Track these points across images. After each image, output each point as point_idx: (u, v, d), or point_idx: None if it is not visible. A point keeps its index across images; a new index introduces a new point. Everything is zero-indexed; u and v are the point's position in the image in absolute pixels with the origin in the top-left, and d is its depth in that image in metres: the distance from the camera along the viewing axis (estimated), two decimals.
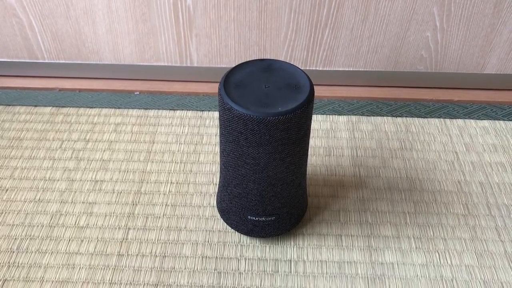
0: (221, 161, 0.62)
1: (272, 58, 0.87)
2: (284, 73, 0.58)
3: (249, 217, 0.63)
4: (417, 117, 0.85)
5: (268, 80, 0.57)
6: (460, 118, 0.85)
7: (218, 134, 0.70)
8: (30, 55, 0.90)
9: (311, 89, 0.56)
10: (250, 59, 0.78)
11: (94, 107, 0.87)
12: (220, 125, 0.57)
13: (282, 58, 0.87)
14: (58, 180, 0.75)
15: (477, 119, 0.85)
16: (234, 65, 0.58)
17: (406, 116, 0.86)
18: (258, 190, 0.60)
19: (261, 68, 0.58)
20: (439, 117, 0.86)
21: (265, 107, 0.53)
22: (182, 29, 0.84)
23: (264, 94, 0.55)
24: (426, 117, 0.86)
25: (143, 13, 0.83)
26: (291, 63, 0.87)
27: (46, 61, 0.90)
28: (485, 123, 0.85)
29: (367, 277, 0.63)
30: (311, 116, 0.58)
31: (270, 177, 0.58)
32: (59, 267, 0.64)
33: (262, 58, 0.61)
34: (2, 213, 0.70)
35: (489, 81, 0.89)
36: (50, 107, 0.87)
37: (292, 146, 0.56)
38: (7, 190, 0.73)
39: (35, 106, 0.88)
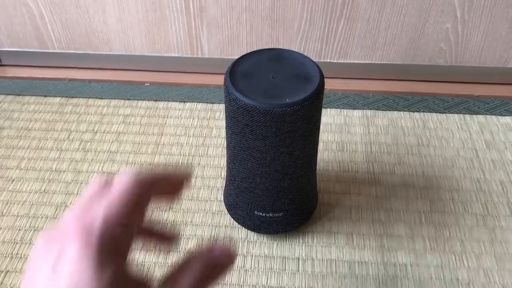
0: (227, 154, 0.60)
1: None
2: (294, 63, 0.55)
3: (256, 212, 0.61)
4: (435, 112, 0.82)
5: (276, 70, 0.54)
6: (481, 114, 0.82)
7: None
8: (40, 45, 0.89)
9: (321, 80, 0.53)
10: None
11: (104, 98, 0.86)
12: (226, 116, 0.55)
13: (295, 50, 0.84)
14: (65, 171, 0.74)
15: (499, 115, 0.81)
16: (247, 53, 0.56)
17: (423, 111, 0.82)
18: (265, 185, 0.57)
19: (270, 58, 0.56)
20: (459, 113, 0.82)
21: (272, 98, 0.50)
22: (193, 18, 0.82)
23: (271, 85, 0.52)
24: (445, 113, 0.82)
25: (153, 2, 0.81)
26: (305, 54, 0.85)
27: (57, 51, 0.89)
28: (508, 119, 0.81)
29: (379, 278, 0.61)
30: (321, 109, 0.55)
31: (277, 171, 0.56)
32: None
33: (273, 47, 0.58)
34: (7, 203, 0.69)
35: None
36: (60, 98, 0.86)
37: (300, 139, 0.54)
38: (13, 180, 0.72)
39: (45, 96, 0.87)
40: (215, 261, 0.32)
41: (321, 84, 0.53)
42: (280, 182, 0.57)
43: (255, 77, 0.53)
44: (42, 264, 0.28)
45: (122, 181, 0.31)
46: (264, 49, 0.57)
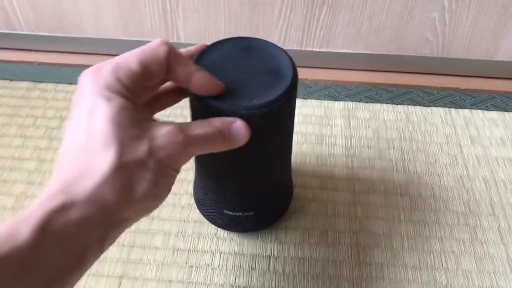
0: None
1: (264, 36, 0.80)
2: (265, 56, 0.49)
3: (224, 211, 0.57)
4: (420, 105, 0.79)
5: (246, 65, 0.48)
6: (467, 108, 0.78)
7: None
8: (7, 26, 0.84)
9: (293, 77, 0.47)
10: (233, 36, 0.71)
11: (74, 84, 0.81)
12: (191, 114, 0.50)
13: (275, 37, 0.80)
14: (28, 159, 0.70)
15: (485, 109, 0.78)
16: (214, 43, 0.50)
17: (407, 104, 0.79)
18: (234, 185, 0.53)
19: (239, 49, 0.49)
20: (444, 106, 0.79)
21: (238, 98, 0.44)
22: (168, 1, 0.78)
23: (239, 82, 0.46)
24: (430, 106, 0.79)
25: None
26: (285, 42, 0.81)
27: (25, 32, 0.85)
28: (494, 114, 0.78)
29: (353, 278, 0.58)
30: (294, 108, 0.50)
31: (246, 172, 0.51)
32: None
33: (243, 36, 0.52)
34: None
35: (500, 68, 0.81)
36: (27, 82, 0.82)
37: (269, 142, 0.49)
38: None
39: (11, 80, 0.82)
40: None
41: (294, 82, 0.47)
42: (250, 183, 0.53)
43: (221, 72, 0.46)
44: (72, 101, 0.38)
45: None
46: (235, 38, 0.51)
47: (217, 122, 0.42)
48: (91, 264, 0.36)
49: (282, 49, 0.50)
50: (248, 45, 0.50)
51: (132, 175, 0.35)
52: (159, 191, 0.38)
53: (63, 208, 0.33)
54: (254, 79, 0.46)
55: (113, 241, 0.37)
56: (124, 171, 0.35)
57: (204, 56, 0.48)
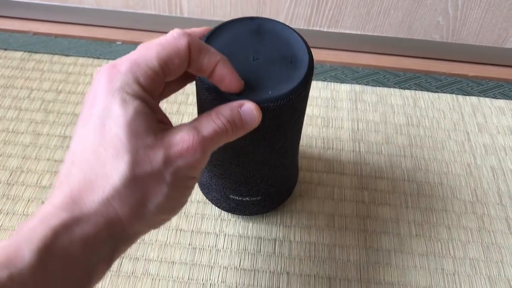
0: None
1: (271, 13, 0.77)
2: (278, 40, 0.45)
3: (231, 196, 0.55)
4: (427, 91, 0.77)
5: (257, 49, 0.44)
6: (474, 96, 0.77)
7: None
8: None
9: (310, 65, 0.44)
10: (244, 15, 0.68)
11: (70, 55, 0.78)
12: (198, 104, 0.47)
13: (283, 14, 0.78)
14: (23, 133, 0.67)
15: (493, 97, 0.77)
16: (228, 20, 0.47)
17: (415, 89, 0.77)
18: (242, 173, 0.51)
19: (250, 31, 0.46)
20: (451, 93, 0.77)
21: (253, 89, 0.41)
22: None
23: (251, 71, 0.43)
24: (437, 92, 0.77)
25: None
26: (293, 20, 0.78)
27: (21, 0, 0.81)
28: (501, 102, 0.77)
29: (360, 263, 0.56)
30: (308, 96, 0.47)
31: (256, 162, 0.49)
32: (13, 230, 0.56)
33: (253, 16, 0.49)
34: None
35: (509, 56, 0.80)
36: (22, 52, 0.78)
37: (283, 132, 0.46)
38: None
39: (5, 49, 0.79)
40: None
41: (310, 70, 0.44)
42: (259, 171, 0.51)
43: (232, 58, 0.41)
44: (84, 101, 0.36)
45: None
46: (244, 18, 0.47)
47: (226, 110, 0.38)
48: (98, 281, 0.32)
49: (294, 30, 0.47)
50: (258, 27, 0.46)
51: (146, 189, 0.32)
52: (174, 204, 0.35)
53: (68, 225, 0.29)
54: (268, 67, 0.43)
55: (121, 255, 0.34)
56: (137, 184, 0.31)
57: (212, 40, 0.45)
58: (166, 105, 0.72)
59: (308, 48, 0.45)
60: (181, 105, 0.72)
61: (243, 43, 0.45)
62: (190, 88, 0.74)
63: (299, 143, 0.55)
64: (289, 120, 0.45)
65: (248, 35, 0.46)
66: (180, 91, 0.73)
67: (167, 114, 0.70)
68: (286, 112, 0.43)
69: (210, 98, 0.42)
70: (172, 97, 0.73)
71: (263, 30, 0.46)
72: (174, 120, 0.70)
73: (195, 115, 0.71)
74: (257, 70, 0.43)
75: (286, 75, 0.43)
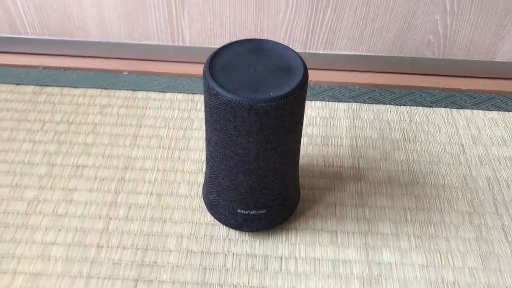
0: (207, 151, 0.57)
1: (269, 38, 0.81)
2: (275, 55, 0.52)
3: (238, 210, 0.59)
4: (422, 106, 0.80)
5: (257, 62, 0.51)
6: (468, 109, 0.80)
7: None
8: (12, 30, 0.84)
9: (305, 72, 0.50)
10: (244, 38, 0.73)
11: (79, 87, 0.82)
12: (206, 112, 0.52)
13: (280, 40, 0.81)
14: (38, 164, 0.70)
15: (486, 110, 0.80)
16: (226, 44, 0.53)
17: (410, 105, 0.80)
18: (248, 182, 0.55)
19: (250, 49, 0.53)
20: (445, 107, 0.80)
21: (255, 92, 0.48)
22: (174, 5, 0.79)
23: (253, 78, 0.50)
24: (432, 107, 0.80)
25: None
26: (290, 45, 0.82)
27: (30, 36, 0.85)
28: (494, 114, 0.79)
29: (363, 277, 0.59)
30: (305, 102, 0.53)
31: (261, 168, 0.54)
32: (34, 258, 0.60)
33: (253, 38, 0.56)
34: None
35: (500, 69, 0.83)
36: (33, 86, 0.82)
37: (284, 135, 0.51)
38: None
39: (17, 84, 0.83)
40: None
41: (305, 76, 0.51)
42: (264, 179, 0.55)
43: (235, 70, 0.50)
44: None
45: None
46: (244, 40, 0.54)
47: None
48: None
49: (290, 48, 0.53)
50: (257, 46, 0.54)
51: None
52: None
53: None
54: (268, 75, 0.50)
55: None
56: None
57: (217, 57, 0.52)
58: (172, 131, 0.75)
59: (302, 60, 0.52)
60: (186, 131, 0.76)
61: (245, 58, 0.52)
62: (195, 114, 0.78)
63: (299, 153, 0.58)
64: (290, 122, 0.51)
65: (249, 52, 0.53)
66: (185, 116, 0.77)
67: (172, 140, 0.74)
68: (287, 113, 0.49)
69: (218, 103, 0.48)
70: (178, 122, 0.76)
71: (261, 48, 0.53)
72: (181, 145, 0.73)
73: (201, 140, 0.74)
74: (259, 78, 0.50)
75: (284, 81, 0.49)
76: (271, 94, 0.48)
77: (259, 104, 0.47)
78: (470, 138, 0.76)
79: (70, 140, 0.74)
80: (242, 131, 0.50)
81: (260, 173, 0.54)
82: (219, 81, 0.49)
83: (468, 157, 0.73)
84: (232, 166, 0.54)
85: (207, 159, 0.58)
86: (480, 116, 0.79)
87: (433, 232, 0.64)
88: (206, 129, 0.55)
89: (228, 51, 0.52)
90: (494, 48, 0.80)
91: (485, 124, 0.78)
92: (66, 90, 0.82)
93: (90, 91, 0.81)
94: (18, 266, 0.59)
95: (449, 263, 0.61)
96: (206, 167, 0.60)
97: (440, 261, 0.61)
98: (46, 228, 0.63)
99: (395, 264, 0.61)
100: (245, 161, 0.53)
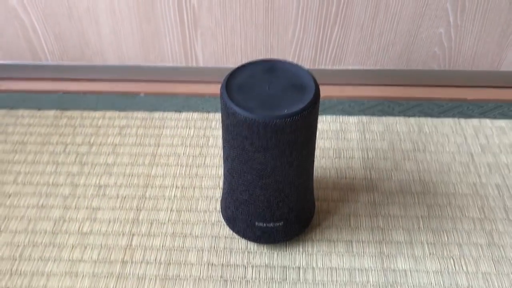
0: (225, 167, 0.60)
1: (279, 57, 0.84)
2: (287, 74, 0.56)
3: (256, 223, 0.61)
4: (430, 117, 0.83)
5: (271, 81, 0.55)
6: (475, 118, 0.82)
7: None
8: (33, 57, 0.88)
9: (316, 88, 0.54)
10: (257, 59, 0.77)
11: (99, 110, 0.86)
12: (223, 130, 0.55)
13: (289, 57, 0.84)
14: (62, 185, 0.74)
15: (493, 118, 0.82)
16: (240, 65, 0.56)
17: (418, 116, 0.83)
18: (266, 196, 0.58)
19: (263, 69, 0.56)
20: (453, 117, 0.83)
21: (270, 109, 0.51)
22: (187, 28, 0.82)
23: (268, 96, 0.53)
24: (440, 117, 0.83)
25: (147, 13, 0.81)
26: (299, 62, 0.85)
27: (50, 63, 0.89)
28: (501, 122, 0.81)
29: (379, 284, 0.61)
30: (317, 117, 0.56)
31: (277, 181, 0.56)
32: (62, 275, 0.62)
33: (266, 58, 0.59)
34: (5, 219, 0.69)
35: (505, 78, 0.85)
36: (54, 110, 0.86)
37: (299, 149, 0.54)
38: (10, 195, 0.72)
39: (39, 109, 0.86)
40: None
41: (317, 92, 0.53)
42: (281, 192, 0.57)
43: (251, 89, 0.53)
44: None
45: None
46: (258, 60, 0.57)
47: None
48: None
49: (301, 66, 0.56)
50: (270, 66, 0.57)
51: None
52: None
53: None
54: (281, 93, 0.53)
55: None
56: None
57: (233, 77, 0.55)
58: (189, 149, 0.78)
59: (314, 78, 0.55)
60: (202, 148, 0.79)
61: (259, 78, 0.55)
62: (210, 131, 0.81)
63: (313, 166, 0.61)
64: (304, 137, 0.54)
65: (263, 72, 0.56)
66: (201, 134, 0.80)
67: (190, 158, 0.76)
68: (301, 128, 0.52)
69: (235, 121, 0.51)
70: (194, 140, 0.79)
71: (274, 68, 0.57)
72: (198, 162, 0.76)
73: (218, 156, 0.77)
74: (273, 96, 0.53)
75: (297, 98, 0.53)
76: (286, 111, 0.50)
77: (275, 121, 0.50)
78: (479, 147, 0.78)
79: (92, 161, 0.77)
80: (259, 147, 0.52)
81: (276, 187, 0.57)
82: (236, 100, 0.52)
83: (478, 165, 0.75)
84: (250, 181, 0.56)
85: (224, 174, 0.61)
86: (488, 125, 0.81)
87: (446, 239, 0.66)
88: (224, 146, 0.57)
89: (243, 72, 0.56)
90: (498, 58, 0.83)
91: (493, 133, 0.80)
92: (86, 113, 0.85)
93: (109, 113, 0.85)
94: (48, 283, 0.61)
95: (462, 269, 0.62)
96: (224, 183, 0.62)
97: (453, 267, 0.63)
98: (73, 246, 0.66)
99: (410, 271, 0.62)
100: (262, 175, 0.55)
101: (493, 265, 0.63)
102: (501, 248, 0.64)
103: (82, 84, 0.90)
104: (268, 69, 0.56)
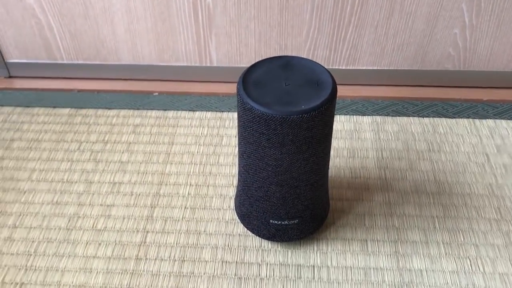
0: (240, 163, 0.60)
1: None
2: (304, 70, 0.55)
3: (271, 221, 0.61)
4: (445, 117, 0.82)
5: (287, 78, 0.54)
6: (490, 118, 0.82)
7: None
8: (49, 56, 0.89)
9: (333, 85, 0.53)
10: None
11: (113, 108, 0.86)
12: (239, 126, 0.55)
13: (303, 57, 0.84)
14: (76, 182, 0.74)
15: (508, 119, 0.81)
16: (257, 61, 0.56)
17: (433, 117, 0.82)
18: (281, 193, 0.57)
19: (280, 65, 0.56)
20: (468, 117, 0.82)
21: (288, 105, 0.51)
22: (201, 28, 0.82)
23: (285, 92, 0.52)
24: (454, 117, 0.82)
25: (162, 12, 0.81)
26: None
27: (65, 62, 0.89)
28: None
29: (394, 284, 0.60)
30: (334, 113, 0.56)
31: (293, 178, 0.56)
32: (76, 271, 0.62)
33: (280, 55, 0.59)
34: (20, 215, 0.69)
35: None
36: (69, 109, 0.87)
37: (316, 145, 0.54)
38: (25, 192, 0.72)
39: (54, 107, 0.87)
40: None
41: (334, 89, 0.53)
42: (296, 189, 0.57)
43: (267, 85, 0.53)
44: None
45: None
46: (274, 57, 0.57)
47: None
48: None
49: (317, 63, 0.56)
50: (286, 62, 0.57)
51: None
52: None
53: None
54: (298, 89, 0.53)
55: None
56: None
57: (249, 74, 0.55)
58: (203, 148, 0.78)
59: (331, 74, 0.55)
60: (216, 147, 0.79)
61: (275, 74, 0.55)
62: (224, 131, 0.81)
63: (328, 164, 0.61)
64: (321, 133, 0.53)
65: (279, 68, 0.56)
66: (215, 133, 0.80)
67: (203, 156, 0.77)
68: (318, 124, 0.52)
69: (251, 117, 0.51)
70: (208, 139, 0.80)
71: (290, 64, 0.56)
72: (211, 161, 0.76)
73: (231, 155, 0.77)
74: (290, 92, 0.53)
75: (314, 94, 0.52)
76: (303, 107, 0.50)
77: (292, 117, 0.50)
78: (494, 147, 0.77)
79: (106, 158, 0.77)
80: (275, 143, 0.52)
81: (292, 184, 0.57)
82: (253, 96, 0.52)
83: (493, 165, 0.74)
84: (265, 178, 0.56)
85: (239, 171, 0.61)
86: (503, 125, 0.80)
87: (462, 239, 0.65)
88: (239, 143, 0.57)
89: (260, 68, 0.56)
90: None
91: (509, 133, 0.79)
92: (100, 111, 0.86)
93: (123, 112, 0.85)
94: (62, 278, 0.62)
95: (479, 269, 0.62)
96: (239, 180, 0.62)
97: (470, 267, 0.62)
98: (87, 243, 0.66)
99: (426, 271, 0.62)
100: (277, 172, 0.55)
101: (510, 266, 0.62)
102: None
103: (97, 83, 0.91)
104: (284, 65, 0.56)
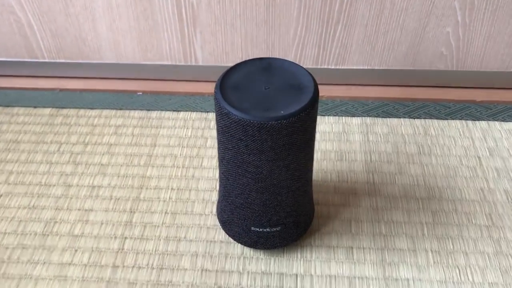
0: (220, 169, 0.57)
1: (280, 56, 0.82)
2: (285, 73, 0.53)
3: (252, 228, 0.59)
4: (437, 118, 0.80)
5: (268, 81, 0.52)
6: (484, 120, 0.79)
7: None
8: (29, 54, 0.86)
9: (315, 89, 0.51)
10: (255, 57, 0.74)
11: (95, 108, 0.84)
12: (218, 131, 0.53)
13: (291, 56, 0.82)
14: (54, 185, 0.71)
15: (502, 121, 0.79)
16: (236, 64, 0.54)
17: (424, 118, 0.80)
18: (262, 200, 0.55)
19: (260, 68, 0.53)
20: (461, 119, 0.79)
21: (266, 110, 0.48)
22: (185, 26, 0.80)
23: (264, 97, 0.50)
24: (447, 119, 0.80)
25: (145, 9, 0.79)
26: (301, 61, 0.83)
27: (46, 60, 0.87)
28: (511, 125, 0.78)
29: None
30: (316, 118, 0.53)
31: (273, 185, 0.54)
32: (51, 279, 0.60)
33: (263, 57, 0.56)
34: None
35: None
36: (50, 108, 0.84)
37: (296, 152, 0.51)
38: (1, 195, 0.70)
39: (35, 107, 0.84)
40: None
41: (316, 93, 0.51)
42: (277, 196, 0.55)
43: (246, 89, 0.51)
44: None
45: None
46: (255, 59, 0.55)
47: None
48: None
49: (300, 65, 0.53)
50: (267, 65, 0.54)
51: None
52: None
53: None
54: (278, 93, 0.50)
55: None
56: None
57: (228, 76, 0.52)
58: (186, 150, 0.76)
59: (313, 77, 0.52)
60: (200, 149, 0.76)
61: (255, 77, 0.52)
62: (208, 132, 0.79)
63: (311, 170, 0.58)
64: (302, 140, 0.51)
65: (260, 71, 0.53)
66: (199, 135, 0.78)
67: (186, 159, 0.74)
68: (298, 130, 0.49)
69: (229, 122, 0.49)
70: (192, 140, 0.77)
71: (272, 66, 0.54)
72: (195, 164, 0.74)
73: (215, 158, 0.74)
74: (270, 96, 0.50)
75: (295, 99, 0.50)
76: (282, 112, 0.48)
77: (270, 123, 0.47)
78: (487, 150, 0.75)
79: (86, 160, 0.75)
80: (254, 149, 0.50)
81: (273, 191, 0.54)
82: (230, 100, 0.49)
83: (485, 169, 0.72)
84: (245, 184, 0.54)
85: (220, 177, 0.58)
86: (497, 127, 0.78)
87: (451, 247, 0.63)
88: (219, 148, 0.55)
89: (239, 71, 0.53)
90: (508, 59, 0.80)
91: (502, 136, 0.77)
92: (82, 111, 0.83)
93: (106, 112, 0.83)
94: (36, 287, 0.59)
95: (468, 279, 0.60)
96: (220, 185, 0.60)
97: (459, 276, 0.60)
98: (63, 249, 0.64)
99: (413, 280, 0.60)
100: (257, 179, 0.53)
101: (500, 275, 0.60)
102: (509, 257, 0.61)
103: (79, 82, 0.88)
104: (265, 67, 0.54)
